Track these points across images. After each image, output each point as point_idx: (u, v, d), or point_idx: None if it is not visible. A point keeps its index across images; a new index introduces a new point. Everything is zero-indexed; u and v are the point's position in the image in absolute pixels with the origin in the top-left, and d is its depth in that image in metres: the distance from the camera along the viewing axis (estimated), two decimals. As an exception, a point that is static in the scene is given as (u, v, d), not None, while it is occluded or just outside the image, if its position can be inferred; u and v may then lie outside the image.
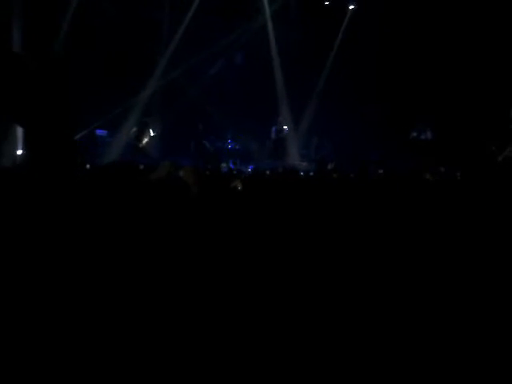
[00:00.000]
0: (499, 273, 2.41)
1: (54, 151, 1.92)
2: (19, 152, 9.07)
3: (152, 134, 11.07)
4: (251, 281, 2.28)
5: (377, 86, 12.15)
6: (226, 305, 2.07)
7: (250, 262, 2.39)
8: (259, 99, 12.40)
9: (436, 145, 10.83)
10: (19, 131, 9.08)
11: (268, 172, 6.93)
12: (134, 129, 10.87)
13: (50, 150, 1.91)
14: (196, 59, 12.20)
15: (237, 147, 12.45)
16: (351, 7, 13.20)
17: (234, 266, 2.33)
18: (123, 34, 11.20)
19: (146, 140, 10.83)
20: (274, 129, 12.08)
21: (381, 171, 7.10)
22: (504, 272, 2.41)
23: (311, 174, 7.50)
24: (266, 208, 3.10)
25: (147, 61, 11.77)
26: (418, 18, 11.51)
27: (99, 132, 11.46)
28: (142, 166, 4.83)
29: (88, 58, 10.47)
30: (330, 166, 7.68)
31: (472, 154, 8.91)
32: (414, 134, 11.15)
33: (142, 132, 10.83)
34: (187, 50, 12.08)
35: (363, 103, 12.09)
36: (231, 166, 11.55)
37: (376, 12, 11.99)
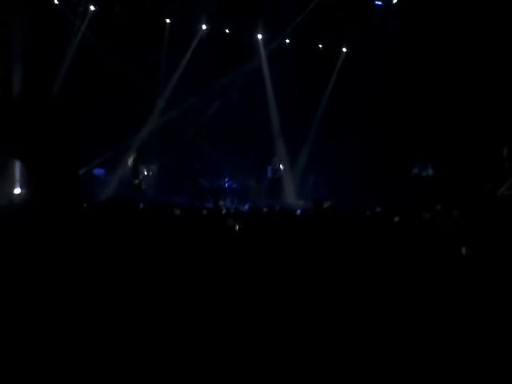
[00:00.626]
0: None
1: (55, 189, 1.95)
2: (17, 191, 9.07)
3: (146, 173, 11.14)
4: (247, 319, 2.26)
5: (373, 124, 12.33)
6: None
7: (247, 298, 2.37)
8: (255, 139, 12.57)
9: (437, 181, 10.90)
10: (17, 169, 9.10)
11: (265, 210, 6.94)
12: (131, 164, 10.90)
13: (52, 188, 1.94)
14: (193, 100, 12.40)
15: (234, 186, 12.50)
16: (344, 50, 13.59)
17: (231, 304, 2.32)
18: (121, 76, 11.42)
19: (141, 177, 10.88)
20: (269, 168, 12.17)
21: (378, 209, 7.12)
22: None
23: (307, 212, 7.51)
24: (262, 245, 3.10)
25: (145, 102, 11.95)
26: (410, 59, 11.79)
27: (96, 171, 11.51)
28: (141, 205, 4.83)
29: (86, 99, 10.62)
30: (325, 205, 7.68)
31: (469, 191, 8.97)
32: (416, 171, 11.23)
33: (138, 170, 10.88)
34: (184, 90, 12.29)
35: (360, 141, 12.22)
36: (229, 203, 11.57)
37: (370, 53, 12.31)
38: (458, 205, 6.40)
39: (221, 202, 10.56)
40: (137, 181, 10.80)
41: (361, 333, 2.20)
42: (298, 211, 7.49)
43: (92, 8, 11.28)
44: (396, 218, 5.59)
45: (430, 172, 11.18)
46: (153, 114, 12.23)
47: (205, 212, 6.52)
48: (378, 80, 12.22)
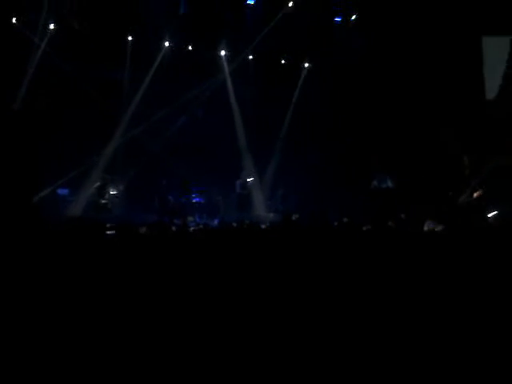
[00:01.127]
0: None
1: (11, 212, 1.91)
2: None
3: (113, 192, 10.99)
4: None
5: (333, 137, 12.58)
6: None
7: (220, 314, 2.36)
8: (222, 153, 12.58)
9: (396, 192, 11.15)
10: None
11: (234, 225, 6.94)
12: (97, 184, 10.77)
13: (7, 210, 1.91)
14: (158, 116, 12.36)
15: (202, 201, 12.46)
16: (306, 65, 13.84)
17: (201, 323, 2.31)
18: (84, 94, 11.30)
19: (107, 197, 10.72)
20: (238, 183, 12.20)
21: (345, 220, 7.22)
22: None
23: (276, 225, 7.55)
24: (233, 260, 3.10)
25: (109, 119, 11.83)
26: (371, 72, 12.09)
27: (60, 191, 11.29)
28: (108, 225, 4.75)
29: (48, 119, 10.45)
30: (294, 217, 7.75)
31: (429, 200, 9.20)
32: (375, 184, 11.44)
33: (104, 189, 10.73)
34: (149, 107, 12.24)
35: (321, 153, 12.43)
36: (198, 219, 11.50)
37: (332, 67, 12.58)
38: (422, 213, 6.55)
39: (190, 218, 10.50)
40: (103, 201, 10.65)
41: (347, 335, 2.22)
42: (268, 224, 7.54)
43: (52, 26, 11.14)
44: (365, 228, 5.68)
45: (389, 184, 11.41)
46: (117, 131, 12.12)
47: (173, 229, 6.47)
48: (338, 93, 12.50)
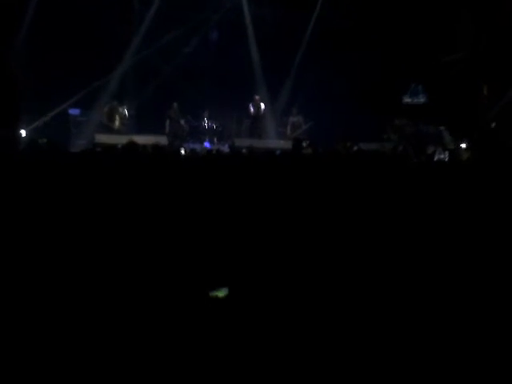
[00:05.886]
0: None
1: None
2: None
3: (125, 113, 10.89)
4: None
5: (356, 56, 12.05)
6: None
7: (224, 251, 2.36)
8: (235, 77, 12.26)
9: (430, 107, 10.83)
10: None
11: (244, 151, 6.90)
12: (106, 109, 10.68)
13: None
14: (169, 37, 12.00)
15: (214, 126, 12.35)
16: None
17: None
18: (95, 13, 10.96)
19: (118, 120, 10.64)
20: (251, 105, 11.92)
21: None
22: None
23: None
24: (244, 190, 3.06)
25: (120, 40, 11.54)
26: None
27: (72, 111, 11.25)
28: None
29: (59, 37, 10.24)
30: (304, 144, 7.67)
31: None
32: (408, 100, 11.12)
33: (114, 112, 10.63)
34: (160, 28, 11.86)
35: (342, 75, 11.96)
36: (207, 144, 11.47)
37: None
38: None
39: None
40: (112, 124, 10.60)
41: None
42: (278, 152, 7.48)
43: None
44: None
45: (422, 98, 11.05)
46: (127, 52, 11.84)
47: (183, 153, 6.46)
48: (359, 16, 11.89)
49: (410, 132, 10.31)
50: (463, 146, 9.06)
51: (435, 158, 6.53)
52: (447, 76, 10.60)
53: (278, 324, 1.99)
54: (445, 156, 7.76)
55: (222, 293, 2.00)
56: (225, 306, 2.02)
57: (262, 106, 11.92)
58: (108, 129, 10.65)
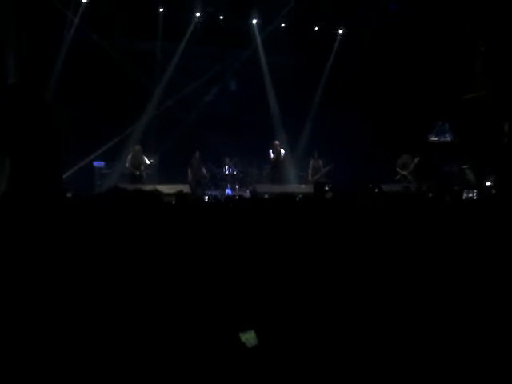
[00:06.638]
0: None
1: (38, 186, 1.92)
2: None
3: (148, 162, 11.09)
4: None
5: (371, 103, 12.25)
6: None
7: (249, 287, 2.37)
8: (255, 124, 12.50)
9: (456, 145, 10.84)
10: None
11: (266, 196, 6.95)
12: (129, 156, 10.87)
13: (34, 180, 1.91)
14: (190, 87, 12.38)
15: (235, 172, 12.50)
16: (341, 31, 13.49)
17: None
18: (117, 67, 11.42)
19: (142, 168, 10.81)
20: (271, 151, 12.01)
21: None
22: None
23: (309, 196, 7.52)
24: (265, 232, 3.08)
25: (142, 91, 11.94)
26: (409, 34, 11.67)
27: (96, 164, 11.53)
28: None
29: (83, 92, 10.60)
30: (327, 187, 7.71)
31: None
32: (434, 139, 11.15)
33: (137, 160, 10.82)
34: (181, 78, 12.28)
35: (359, 119, 12.12)
36: (229, 191, 11.56)
37: (368, 32, 12.24)
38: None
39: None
40: (138, 172, 10.75)
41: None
42: (300, 196, 7.50)
43: (84, 0, 11.21)
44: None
45: (448, 136, 11.05)
46: (150, 103, 12.23)
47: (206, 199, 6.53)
48: (378, 57, 12.11)
49: (424, 169, 10.39)
50: (488, 183, 9.03)
51: (463, 197, 6.48)
52: (469, 114, 10.65)
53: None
54: (473, 195, 7.74)
55: (251, 337, 1.97)
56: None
57: (282, 151, 12.01)
58: (131, 176, 10.76)
